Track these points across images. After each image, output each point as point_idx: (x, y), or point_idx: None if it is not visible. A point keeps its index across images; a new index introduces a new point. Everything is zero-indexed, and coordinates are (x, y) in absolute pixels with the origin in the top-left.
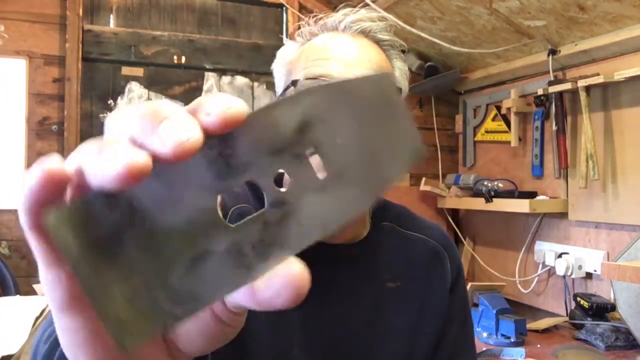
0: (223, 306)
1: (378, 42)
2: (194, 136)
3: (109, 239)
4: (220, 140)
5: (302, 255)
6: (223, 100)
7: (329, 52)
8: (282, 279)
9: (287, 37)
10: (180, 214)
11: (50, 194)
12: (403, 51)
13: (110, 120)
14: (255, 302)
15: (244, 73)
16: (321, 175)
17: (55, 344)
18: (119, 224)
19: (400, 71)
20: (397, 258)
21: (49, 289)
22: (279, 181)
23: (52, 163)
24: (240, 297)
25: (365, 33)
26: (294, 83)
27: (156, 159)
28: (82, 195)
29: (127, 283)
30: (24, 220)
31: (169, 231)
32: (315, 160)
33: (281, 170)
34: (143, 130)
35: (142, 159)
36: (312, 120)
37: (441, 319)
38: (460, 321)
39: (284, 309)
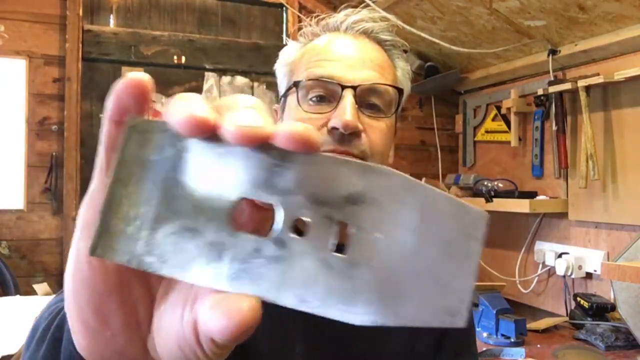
0: (207, 336)
1: (380, 43)
2: (259, 129)
3: (152, 165)
4: (281, 156)
5: None
6: (302, 125)
7: (331, 53)
8: (228, 309)
9: (287, 37)
10: (205, 188)
11: (138, 96)
12: (405, 51)
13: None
14: (193, 317)
15: (244, 73)
16: (337, 255)
17: (55, 315)
18: (165, 160)
19: (403, 71)
20: None
21: (84, 207)
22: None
23: (139, 74)
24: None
25: (367, 33)
26: (296, 84)
27: (222, 135)
28: (161, 121)
29: (135, 206)
30: (108, 112)
31: (189, 194)
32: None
33: (305, 219)
34: (224, 107)
35: (207, 116)
36: (369, 200)
37: (438, 337)
38: (462, 333)
39: (221, 339)
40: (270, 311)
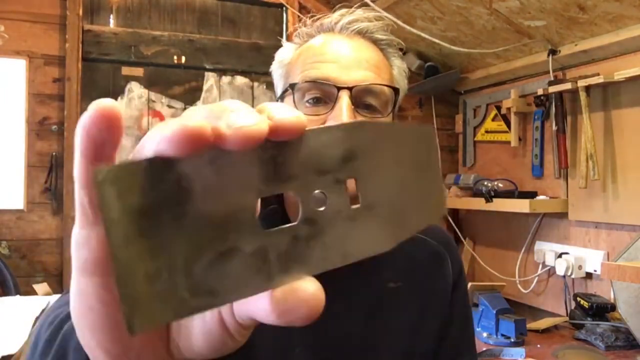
0: (232, 316)
1: (375, 42)
2: (258, 126)
3: (149, 210)
4: (276, 146)
5: None
6: (288, 109)
7: (326, 55)
8: (298, 296)
9: (286, 37)
10: (222, 205)
11: (109, 128)
12: (402, 50)
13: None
14: (267, 315)
15: (244, 73)
16: (355, 205)
17: (58, 327)
18: (162, 198)
19: (399, 69)
20: (399, 258)
21: (76, 247)
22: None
23: (106, 102)
24: (253, 308)
25: (362, 33)
26: (292, 86)
27: (217, 143)
28: (137, 159)
29: (153, 260)
30: (79, 149)
31: (206, 219)
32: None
33: (319, 191)
34: (212, 114)
35: (199, 125)
36: (359, 152)
37: (442, 320)
38: (462, 322)
39: (293, 326)
40: None
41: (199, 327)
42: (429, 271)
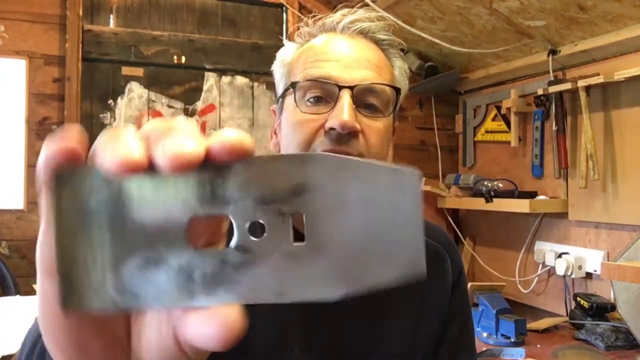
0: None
1: (377, 42)
2: (192, 152)
3: (91, 211)
4: (216, 168)
5: None
6: (234, 133)
7: (327, 54)
8: (213, 321)
9: (287, 37)
10: (155, 218)
11: (64, 161)
12: (403, 50)
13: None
14: (183, 334)
15: (244, 73)
16: (298, 243)
17: (34, 343)
18: (103, 203)
19: (400, 70)
20: None
21: (39, 249)
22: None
23: (71, 136)
24: (177, 324)
25: (364, 33)
26: (293, 85)
27: (156, 167)
28: (89, 167)
29: (89, 254)
30: (39, 177)
31: (140, 228)
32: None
33: (259, 220)
34: (153, 136)
35: (137, 156)
36: (312, 186)
37: (441, 319)
38: (462, 321)
39: (208, 349)
40: (271, 312)
41: (155, 341)
42: (428, 271)
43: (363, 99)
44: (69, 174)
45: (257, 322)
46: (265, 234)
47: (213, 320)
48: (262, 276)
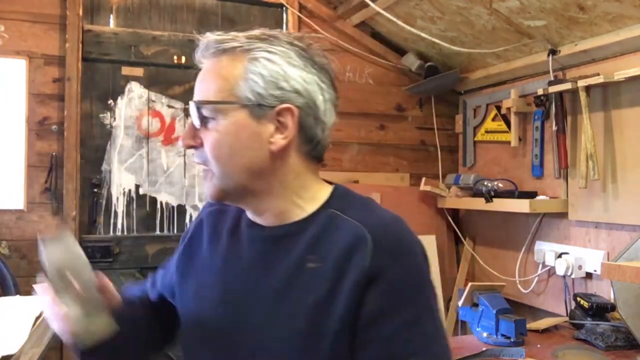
0: None
1: (230, 52)
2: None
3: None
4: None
5: (235, 234)
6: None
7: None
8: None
9: None
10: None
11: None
12: (266, 38)
13: None
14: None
15: None
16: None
17: None
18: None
19: (260, 75)
20: (323, 241)
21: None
22: None
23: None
24: None
25: (217, 50)
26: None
27: None
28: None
29: (75, 301)
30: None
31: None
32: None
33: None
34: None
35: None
36: (63, 265)
37: (354, 305)
38: (405, 320)
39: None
40: (197, 283)
41: None
42: (347, 255)
43: (201, 112)
44: (49, 241)
45: (186, 288)
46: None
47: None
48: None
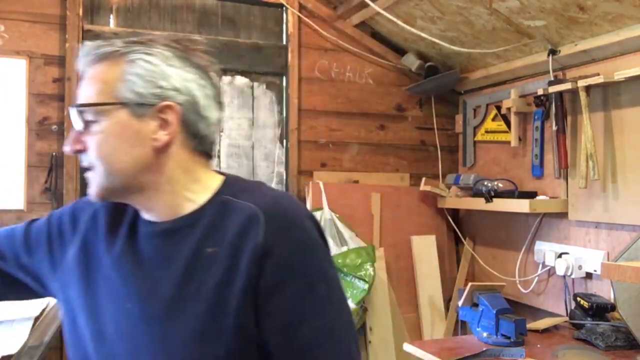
0: None
1: (109, 57)
2: None
3: None
4: None
5: (132, 231)
6: None
7: None
8: None
9: (286, 37)
10: None
11: None
12: (177, 48)
13: None
14: None
15: (244, 73)
16: None
17: None
18: None
19: (138, 76)
20: (219, 227)
21: None
22: None
23: None
24: None
25: (95, 57)
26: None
27: None
28: None
29: None
30: None
31: None
32: None
33: None
34: None
35: None
36: None
37: (252, 279)
38: (298, 289)
39: None
40: (86, 286)
41: None
42: (241, 234)
43: (84, 118)
44: None
45: (77, 293)
46: None
47: None
48: None
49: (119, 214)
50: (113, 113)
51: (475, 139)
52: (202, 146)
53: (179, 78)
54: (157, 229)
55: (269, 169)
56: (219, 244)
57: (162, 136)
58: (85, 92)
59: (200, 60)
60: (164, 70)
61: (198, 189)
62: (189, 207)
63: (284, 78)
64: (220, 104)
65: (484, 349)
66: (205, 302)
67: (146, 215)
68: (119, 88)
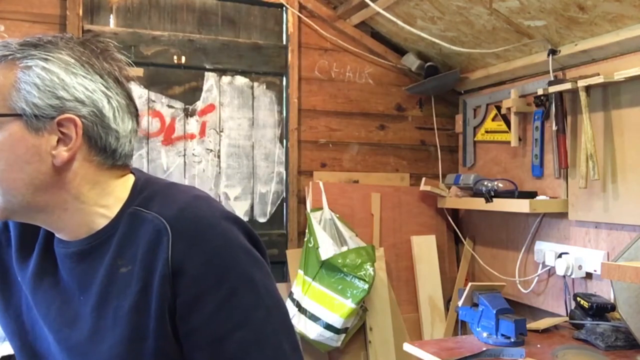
0: None
1: (2, 62)
2: None
3: None
4: None
5: (47, 252)
6: None
7: None
8: None
9: (286, 37)
10: None
11: None
12: (81, 52)
13: None
14: None
15: (244, 73)
16: None
17: None
18: None
19: (33, 85)
20: (130, 242)
21: None
22: None
23: None
24: None
25: None
26: None
27: None
28: None
29: None
30: None
31: None
32: None
33: None
34: None
35: None
36: None
37: (167, 300)
38: (220, 300)
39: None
40: (18, 312)
41: None
42: (150, 251)
43: None
44: None
45: (10, 320)
46: None
47: None
48: None
49: (30, 227)
50: (5, 126)
51: (475, 139)
52: (112, 160)
53: (81, 88)
54: (70, 250)
55: (269, 169)
56: (132, 262)
57: (62, 152)
58: None
59: (107, 65)
60: (63, 79)
61: (111, 202)
62: (101, 223)
63: (284, 78)
64: (133, 114)
65: (484, 349)
66: (123, 328)
67: (59, 235)
68: (13, 98)
